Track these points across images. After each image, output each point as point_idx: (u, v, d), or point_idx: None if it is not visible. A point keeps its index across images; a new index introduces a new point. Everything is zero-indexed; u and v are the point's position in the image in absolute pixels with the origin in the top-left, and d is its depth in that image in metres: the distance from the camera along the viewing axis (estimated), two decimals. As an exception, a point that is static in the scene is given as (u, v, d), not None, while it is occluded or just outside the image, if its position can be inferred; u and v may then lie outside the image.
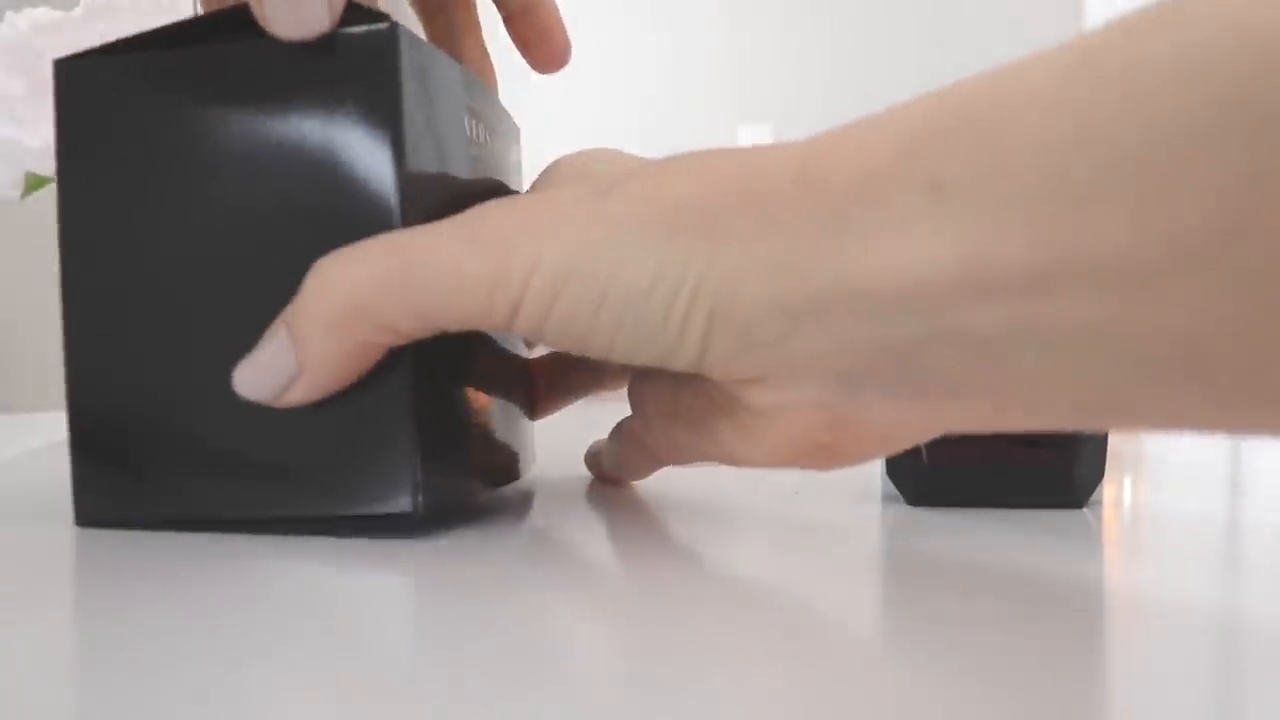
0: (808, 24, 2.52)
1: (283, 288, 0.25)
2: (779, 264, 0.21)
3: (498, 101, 0.32)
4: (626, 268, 0.22)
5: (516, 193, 0.30)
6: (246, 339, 0.25)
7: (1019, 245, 0.18)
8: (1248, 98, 0.16)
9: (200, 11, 0.35)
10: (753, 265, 0.21)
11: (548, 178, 0.29)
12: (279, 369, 0.24)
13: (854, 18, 2.51)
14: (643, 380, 0.28)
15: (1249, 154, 0.16)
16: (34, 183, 0.50)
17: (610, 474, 0.36)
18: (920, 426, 0.22)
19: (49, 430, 0.63)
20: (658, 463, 0.32)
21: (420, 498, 0.25)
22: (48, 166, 0.49)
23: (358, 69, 0.25)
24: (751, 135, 2.53)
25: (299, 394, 0.25)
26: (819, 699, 0.14)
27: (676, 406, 0.26)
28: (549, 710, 0.14)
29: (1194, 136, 0.17)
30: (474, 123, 0.29)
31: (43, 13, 0.48)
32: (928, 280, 0.19)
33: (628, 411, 0.31)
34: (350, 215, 0.25)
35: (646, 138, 2.50)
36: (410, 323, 0.24)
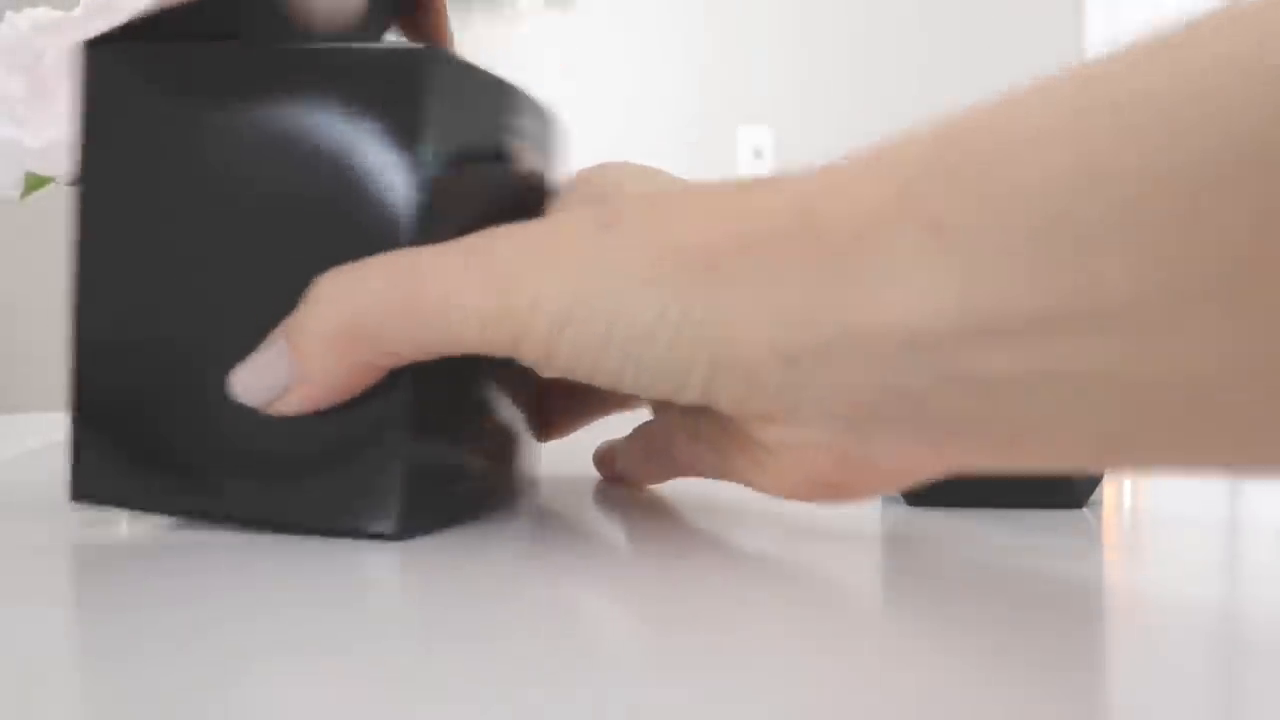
0: (807, 25, 2.52)
1: (293, 295, 0.25)
2: (781, 312, 0.20)
3: (539, 110, 0.31)
4: (626, 312, 0.22)
5: (538, 212, 0.29)
6: (252, 341, 0.25)
7: (1022, 288, 0.18)
8: (1254, 138, 0.16)
9: None
10: (754, 313, 0.21)
11: (568, 197, 0.29)
12: (273, 377, 0.25)
13: (853, 18, 2.51)
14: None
15: (1255, 194, 0.16)
16: (34, 183, 0.50)
17: (620, 475, 0.35)
18: (930, 465, 0.22)
19: (49, 430, 0.63)
20: (675, 471, 0.32)
21: (402, 521, 0.25)
22: (48, 166, 0.49)
23: (386, 88, 0.25)
24: (751, 135, 2.53)
25: (293, 405, 0.25)
26: (819, 700, 0.14)
27: (697, 429, 0.26)
28: (551, 709, 0.14)
29: (1199, 176, 0.16)
30: (512, 139, 0.29)
31: (43, 13, 0.48)
32: (931, 327, 0.19)
33: (637, 414, 0.31)
34: (365, 231, 0.25)
35: (647, 138, 2.50)
36: (409, 349, 0.24)
